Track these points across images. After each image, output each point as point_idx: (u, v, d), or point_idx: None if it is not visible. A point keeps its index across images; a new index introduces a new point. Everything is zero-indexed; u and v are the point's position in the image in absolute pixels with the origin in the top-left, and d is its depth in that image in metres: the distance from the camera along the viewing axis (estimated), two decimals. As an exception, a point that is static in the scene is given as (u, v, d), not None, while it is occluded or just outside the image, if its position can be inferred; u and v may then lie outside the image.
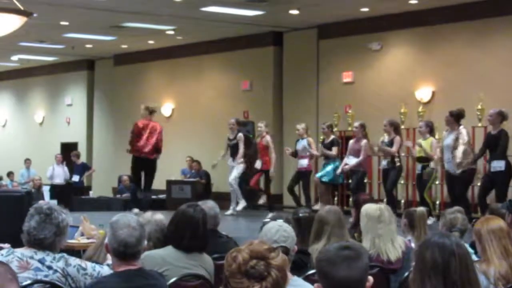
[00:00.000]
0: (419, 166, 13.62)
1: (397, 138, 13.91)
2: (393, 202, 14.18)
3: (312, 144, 15.45)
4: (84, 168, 22.36)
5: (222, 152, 15.62)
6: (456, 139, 12.63)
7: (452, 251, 3.58)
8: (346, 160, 14.68)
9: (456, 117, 12.82)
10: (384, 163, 13.96)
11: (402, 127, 15.57)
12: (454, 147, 12.60)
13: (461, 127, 12.79)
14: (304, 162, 15.42)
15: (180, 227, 5.64)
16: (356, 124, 14.73)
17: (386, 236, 6.36)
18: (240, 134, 15.51)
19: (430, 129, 13.56)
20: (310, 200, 15.68)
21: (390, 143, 13.81)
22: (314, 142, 15.72)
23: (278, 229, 4.86)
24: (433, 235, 3.74)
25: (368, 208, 6.50)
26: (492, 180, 12.61)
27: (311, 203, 15.39)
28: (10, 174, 23.74)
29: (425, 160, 13.47)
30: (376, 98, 17.64)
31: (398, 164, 13.95)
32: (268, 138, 15.69)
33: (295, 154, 15.73)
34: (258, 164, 15.67)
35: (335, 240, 5.95)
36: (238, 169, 15.27)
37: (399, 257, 6.33)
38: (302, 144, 15.44)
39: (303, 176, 15.51)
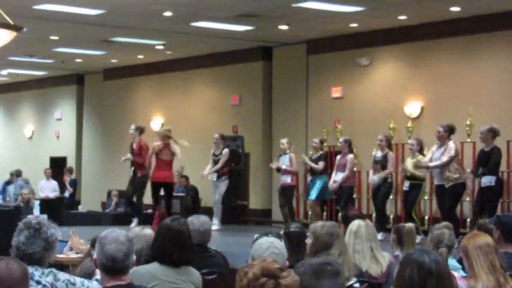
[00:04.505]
0: (406, 184, 13.64)
1: (391, 154, 13.95)
2: (383, 218, 14.23)
3: (293, 160, 15.38)
4: (74, 184, 22.29)
5: (209, 166, 15.62)
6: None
7: (430, 270, 3.60)
8: (334, 176, 14.61)
9: (448, 132, 12.87)
10: (375, 178, 13.95)
11: (392, 142, 15.58)
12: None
13: (450, 141, 12.84)
14: (287, 178, 15.37)
15: (168, 242, 5.58)
16: (341, 139, 14.77)
17: (364, 252, 6.41)
18: (226, 150, 15.51)
19: (421, 147, 13.60)
20: (294, 215, 15.65)
21: (384, 159, 13.81)
22: (296, 158, 15.67)
23: (269, 246, 4.86)
24: (414, 251, 3.76)
25: (351, 224, 6.61)
26: (483, 195, 12.61)
27: (295, 217, 15.36)
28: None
29: (414, 178, 13.47)
30: (365, 113, 17.65)
31: (389, 180, 13.95)
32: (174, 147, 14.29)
33: (279, 169, 15.64)
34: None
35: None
36: (223, 187, 15.32)
37: (383, 271, 6.37)
38: (283, 160, 15.38)
39: (287, 191, 15.45)
